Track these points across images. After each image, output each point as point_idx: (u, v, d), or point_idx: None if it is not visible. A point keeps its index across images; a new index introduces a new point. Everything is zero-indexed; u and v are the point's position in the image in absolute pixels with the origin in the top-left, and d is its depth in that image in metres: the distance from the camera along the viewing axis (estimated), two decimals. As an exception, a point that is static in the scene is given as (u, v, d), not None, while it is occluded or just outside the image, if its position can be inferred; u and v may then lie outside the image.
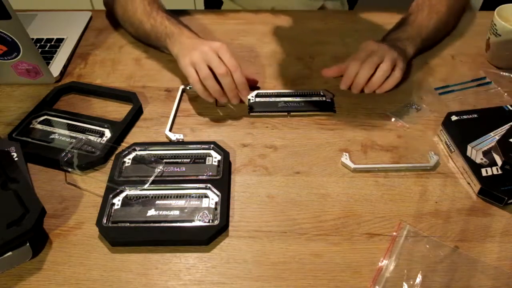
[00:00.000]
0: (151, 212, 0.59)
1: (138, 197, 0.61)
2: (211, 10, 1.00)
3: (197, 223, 0.58)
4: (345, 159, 0.66)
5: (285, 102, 0.75)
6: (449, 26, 0.90)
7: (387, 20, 0.94)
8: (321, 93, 0.76)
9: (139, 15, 0.82)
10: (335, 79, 0.80)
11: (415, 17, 0.82)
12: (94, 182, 0.64)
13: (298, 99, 0.75)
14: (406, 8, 0.88)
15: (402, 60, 0.75)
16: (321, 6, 1.01)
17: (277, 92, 0.77)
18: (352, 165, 0.65)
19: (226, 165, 0.64)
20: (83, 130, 0.71)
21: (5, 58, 0.75)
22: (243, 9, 1.01)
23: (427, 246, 0.56)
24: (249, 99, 0.75)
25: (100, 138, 0.69)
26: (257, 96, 0.76)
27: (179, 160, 0.65)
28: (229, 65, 0.69)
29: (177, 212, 0.59)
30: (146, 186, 0.61)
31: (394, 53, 0.73)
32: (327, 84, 0.79)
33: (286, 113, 0.74)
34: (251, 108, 0.74)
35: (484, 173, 0.61)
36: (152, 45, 0.86)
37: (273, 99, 0.75)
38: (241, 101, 0.73)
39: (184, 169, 0.64)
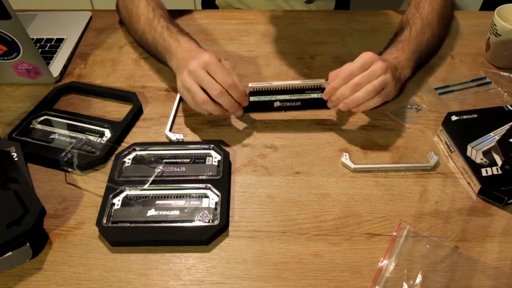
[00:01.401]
0: (151, 212, 0.59)
1: (138, 197, 0.61)
2: (211, 10, 1.00)
3: (197, 223, 0.58)
4: (345, 159, 0.66)
5: (281, 101, 0.70)
6: (441, 38, 0.85)
7: (387, 20, 0.94)
8: (321, 86, 0.68)
9: (142, 23, 0.79)
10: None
11: (409, 33, 0.75)
12: (94, 182, 0.64)
13: (295, 96, 0.69)
14: (399, 8, 0.88)
15: (394, 85, 0.66)
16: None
17: (273, 87, 0.68)
18: (352, 165, 0.65)
19: (226, 165, 0.64)
20: (83, 130, 0.71)
21: (5, 58, 0.75)
22: (242, 9, 1.01)
23: (427, 246, 0.56)
24: None
25: (100, 138, 0.69)
26: (251, 94, 0.69)
27: (179, 160, 0.65)
28: (224, 84, 0.64)
29: (177, 212, 0.59)
30: (146, 186, 0.61)
31: (388, 76, 0.64)
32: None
33: (282, 111, 0.71)
34: (246, 109, 0.70)
35: (484, 173, 0.61)
36: (155, 58, 0.82)
37: (268, 97, 0.69)
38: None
39: (184, 169, 0.64)
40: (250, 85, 0.68)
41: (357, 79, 0.63)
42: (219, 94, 0.64)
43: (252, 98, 0.69)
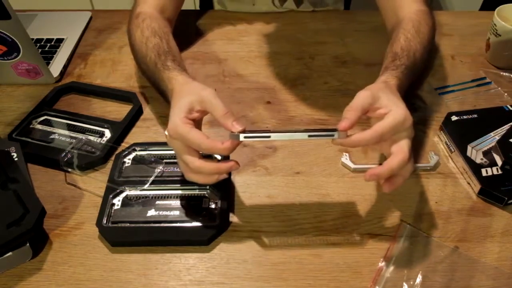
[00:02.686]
0: (151, 212, 0.59)
1: (138, 197, 0.61)
2: (211, 10, 1.00)
3: (197, 223, 0.58)
4: (345, 159, 0.66)
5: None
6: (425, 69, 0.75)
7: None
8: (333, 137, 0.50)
9: (140, 61, 0.70)
10: (336, 79, 0.80)
11: (412, 61, 0.64)
12: (94, 182, 0.64)
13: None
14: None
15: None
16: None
17: (271, 139, 0.51)
18: (352, 165, 0.65)
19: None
20: (83, 130, 0.71)
21: (5, 58, 0.75)
22: (242, 8, 1.01)
23: (427, 246, 0.56)
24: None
25: (100, 138, 0.69)
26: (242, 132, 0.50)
27: (179, 160, 0.65)
28: (202, 149, 0.52)
29: (177, 212, 0.59)
30: (146, 186, 0.61)
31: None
32: (327, 84, 0.79)
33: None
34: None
35: (484, 173, 0.61)
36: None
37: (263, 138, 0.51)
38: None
39: (184, 169, 0.64)
40: (242, 138, 0.50)
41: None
42: (197, 168, 0.52)
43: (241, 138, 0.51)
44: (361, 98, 0.52)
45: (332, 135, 0.50)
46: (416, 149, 0.68)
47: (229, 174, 0.64)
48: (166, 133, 0.54)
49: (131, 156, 0.66)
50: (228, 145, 0.50)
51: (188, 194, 0.61)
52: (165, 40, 0.68)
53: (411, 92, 0.72)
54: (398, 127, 0.51)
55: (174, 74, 0.61)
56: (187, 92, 0.56)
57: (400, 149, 0.51)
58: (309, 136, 0.50)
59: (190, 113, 0.53)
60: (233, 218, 0.60)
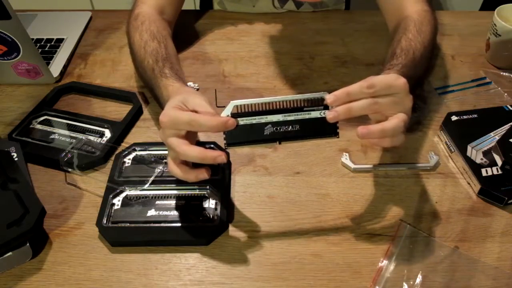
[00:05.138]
0: (151, 212, 0.59)
1: (138, 197, 0.61)
2: (211, 10, 1.00)
3: (197, 223, 0.58)
4: (345, 159, 0.66)
5: (273, 125, 0.52)
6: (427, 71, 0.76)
7: (387, 20, 0.94)
8: (322, 99, 0.52)
9: (138, 65, 0.70)
10: (336, 79, 0.80)
11: (411, 60, 0.64)
12: (94, 182, 0.64)
13: (291, 117, 0.52)
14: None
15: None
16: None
17: (263, 103, 0.51)
18: (352, 165, 0.65)
19: (226, 165, 0.64)
20: (83, 130, 0.71)
21: (5, 58, 0.75)
22: (243, 9, 1.01)
23: (427, 246, 0.56)
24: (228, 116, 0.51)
25: (100, 138, 0.69)
26: (234, 115, 0.51)
27: (179, 160, 0.65)
28: (193, 125, 0.50)
29: (177, 212, 0.59)
30: (146, 186, 0.61)
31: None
32: (327, 84, 0.79)
33: (276, 142, 0.53)
34: (228, 139, 0.52)
35: (484, 173, 0.61)
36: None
37: (257, 119, 0.52)
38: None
39: (184, 169, 0.64)
40: (232, 102, 0.50)
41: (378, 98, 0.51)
42: (181, 156, 0.51)
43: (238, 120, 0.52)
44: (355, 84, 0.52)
45: (321, 96, 0.51)
46: (416, 149, 0.68)
47: (229, 173, 0.64)
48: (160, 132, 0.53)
49: (131, 156, 0.66)
50: (220, 118, 0.50)
51: (188, 194, 0.61)
52: (163, 44, 0.68)
53: (411, 91, 0.72)
54: (390, 83, 0.51)
55: (171, 82, 0.61)
56: (180, 93, 0.56)
57: (397, 117, 0.51)
58: (300, 96, 0.52)
59: (181, 107, 0.52)
60: (233, 218, 0.60)
